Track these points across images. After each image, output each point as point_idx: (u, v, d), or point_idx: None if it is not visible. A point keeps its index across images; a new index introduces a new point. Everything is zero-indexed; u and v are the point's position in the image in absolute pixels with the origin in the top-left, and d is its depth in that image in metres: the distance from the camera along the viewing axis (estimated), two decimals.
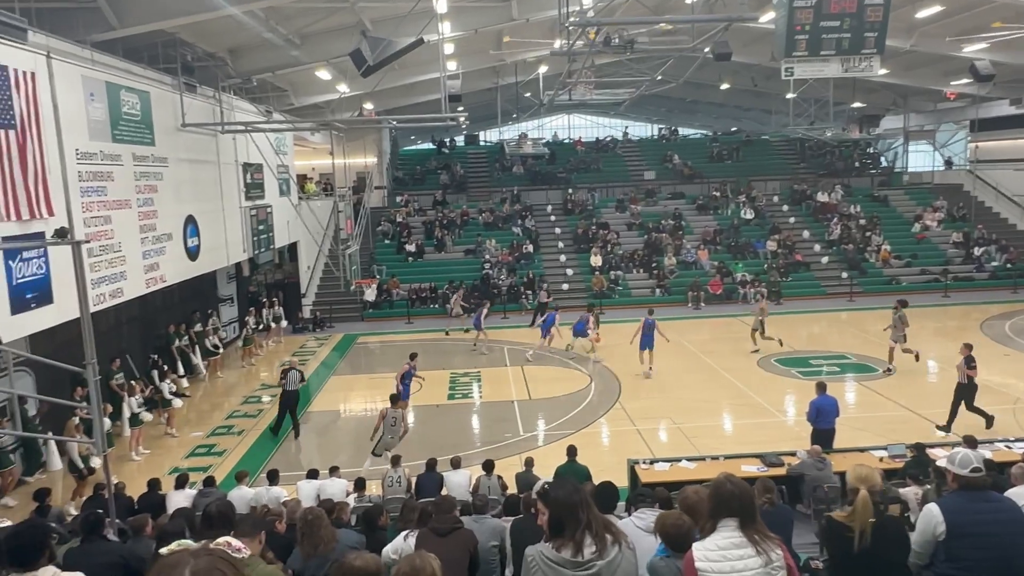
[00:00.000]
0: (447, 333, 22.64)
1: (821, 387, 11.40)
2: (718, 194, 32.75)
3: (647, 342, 17.43)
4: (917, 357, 16.62)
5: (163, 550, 1.88)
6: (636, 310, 24.53)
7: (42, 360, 9.56)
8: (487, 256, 28.30)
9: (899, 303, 17.27)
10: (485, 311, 21.25)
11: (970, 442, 8.64)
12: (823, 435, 10.83)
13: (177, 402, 14.58)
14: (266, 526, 5.44)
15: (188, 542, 2.39)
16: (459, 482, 9.40)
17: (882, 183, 34.56)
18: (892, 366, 16.76)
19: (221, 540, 3.52)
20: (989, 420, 12.65)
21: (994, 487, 4.54)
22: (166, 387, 14.43)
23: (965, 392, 12.85)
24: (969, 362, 12.80)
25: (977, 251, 28.23)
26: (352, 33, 16.72)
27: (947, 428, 12.69)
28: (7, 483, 11.57)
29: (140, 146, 13.58)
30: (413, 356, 14.48)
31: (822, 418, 10.97)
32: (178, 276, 15.36)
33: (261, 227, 20.29)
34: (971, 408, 12.80)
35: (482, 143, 40.76)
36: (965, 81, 24.98)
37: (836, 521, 4.24)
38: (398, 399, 12.40)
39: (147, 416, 13.52)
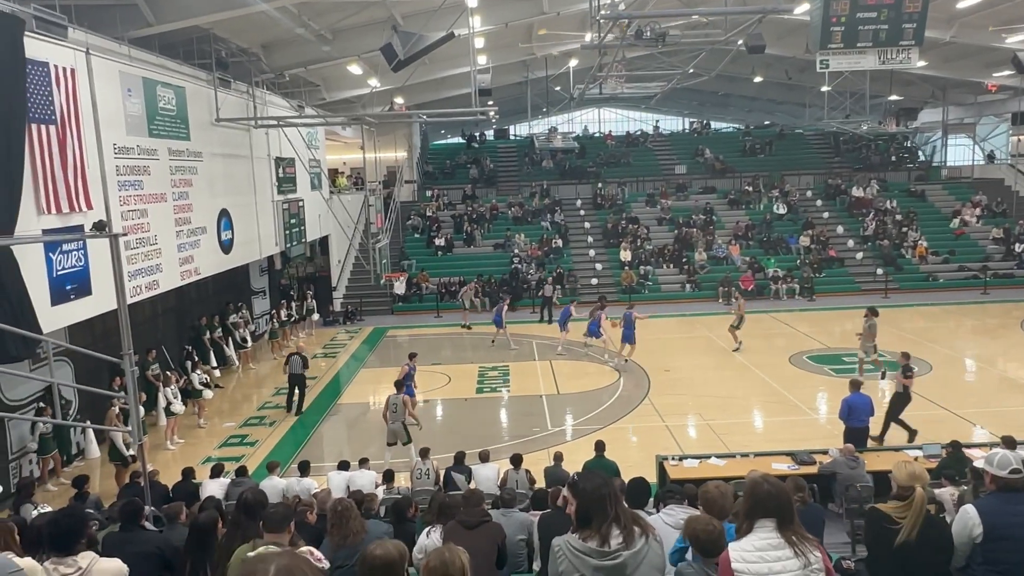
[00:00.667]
0: (468, 328, 22.63)
1: (855, 385, 11.22)
2: (750, 188, 32.35)
3: (628, 336, 17.36)
4: (883, 375, 15.25)
5: (251, 553, 1.97)
6: (666, 306, 24.50)
7: (81, 350, 9.78)
8: (516, 251, 28.30)
9: (869, 311, 15.96)
10: (505, 307, 21.20)
11: (1009, 443, 8.44)
12: (856, 433, 10.67)
13: (208, 393, 14.80)
14: (296, 516, 5.51)
15: (273, 547, 2.48)
16: (487, 476, 9.43)
17: (919, 177, 33.85)
18: (862, 380, 15.47)
19: (304, 549, 3.62)
20: (912, 434, 11.88)
21: None
22: (196, 378, 14.66)
23: (898, 401, 12.20)
24: (906, 371, 12.15)
25: (1018, 247, 27.54)
26: (383, 28, 16.83)
27: (880, 438, 11.99)
28: (47, 470, 11.87)
29: (175, 141, 13.77)
30: (412, 356, 14.47)
31: (854, 416, 10.82)
32: (212, 269, 15.55)
33: (293, 221, 20.47)
34: (895, 419, 12.09)
35: (512, 137, 40.72)
36: (1007, 73, 24.38)
37: (882, 512, 4.13)
38: (401, 385, 12.53)
39: (178, 408, 13.72)
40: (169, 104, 13.55)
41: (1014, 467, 4.10)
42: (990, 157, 34.87)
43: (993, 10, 20.31)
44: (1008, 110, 31.46)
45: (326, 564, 2.91)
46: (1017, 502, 4.08)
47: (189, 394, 14.56)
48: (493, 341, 20.59)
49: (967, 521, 4.09)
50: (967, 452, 9.07)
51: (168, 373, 14.33)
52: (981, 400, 14.52)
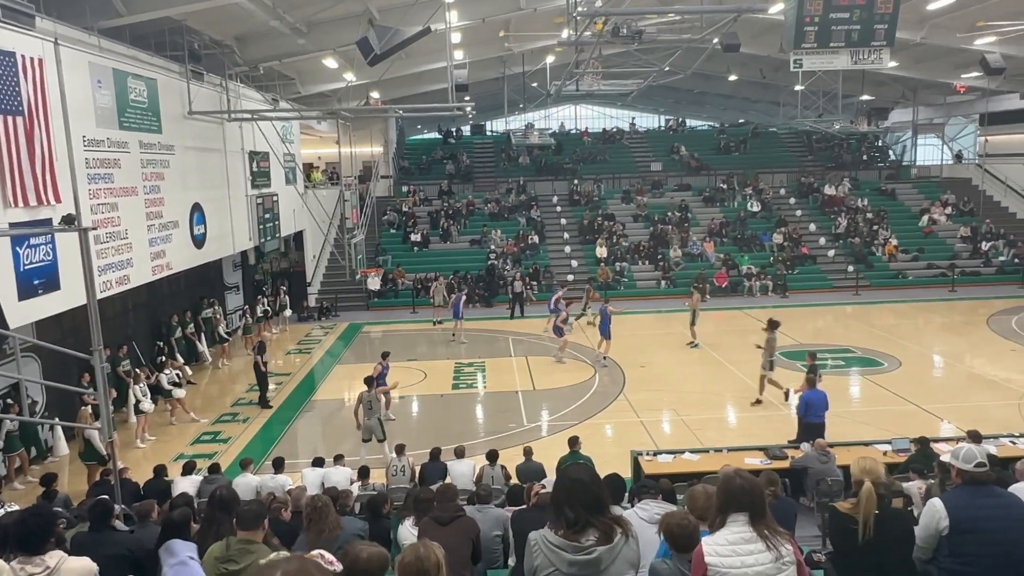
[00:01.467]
0: (439, 324, 22.57)
1: (811, 382, 11.39)
2: (725, 186, 32.62)
3: (604, 331, 17.56)
4: (787, 395, 14.19)
5: (262, 560, 1.98)
6: (642, 302, 24.65)
7: (49, 346, 9.61)
8: (492, 247, 28.28)
9: (769, 323, 14.79)
10: (464, 299, 21.25)
11: (974, 437, 8.64)
12: (813, 429, 10.85)
13: (178, 392, 14.59)
14: (270, 513, 5.47)
15: (284, 553, 2.47)
16: (463, 471, 9.44)
17: (890, 176, 34.38)
18: (761, 397, 14.37)
19: (315, 552, 3.59)
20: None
21: (998, 482, 4.54)
22: (164, 377, 14.45)
23: None
24: (811, 371, 12.05)
25: (985, 245, 28.09)
26: (359, 22, 16.72)
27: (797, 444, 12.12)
28: (14, 468, 11.65)
29: (147, 133, 13.57)
30: (385, 355, 14.46)
31: (811, 412, 10.99)
32: (184, 264, 15.38)
33: (267, 215, 20.29)
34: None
35: (488, 133, 40.66)
36: (975, 74, 24.84)
37: (840, 512, 4.22)
38: (373, 382, 12.45)
39: (148, 406, 13.47)
40: (140, 96, 13.34)
41: (979, 461, 4.19)
42: (958, 157, 35.51)
43: (962, 12, 20.64)
44: (976, 111, 32.09)
45: (339, 567, 2.90)
46: (982, 495, 4.17)
47: (159, 392, 14.38)
48: (453, 335, 20.67)
49: (934, 514, 4.17)
50: (934, 447, 9.25)
51: (138, 370, 14.11)
52: (948, 396, 14.81)
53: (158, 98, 14.03)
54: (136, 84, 13.19)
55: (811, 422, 10.93)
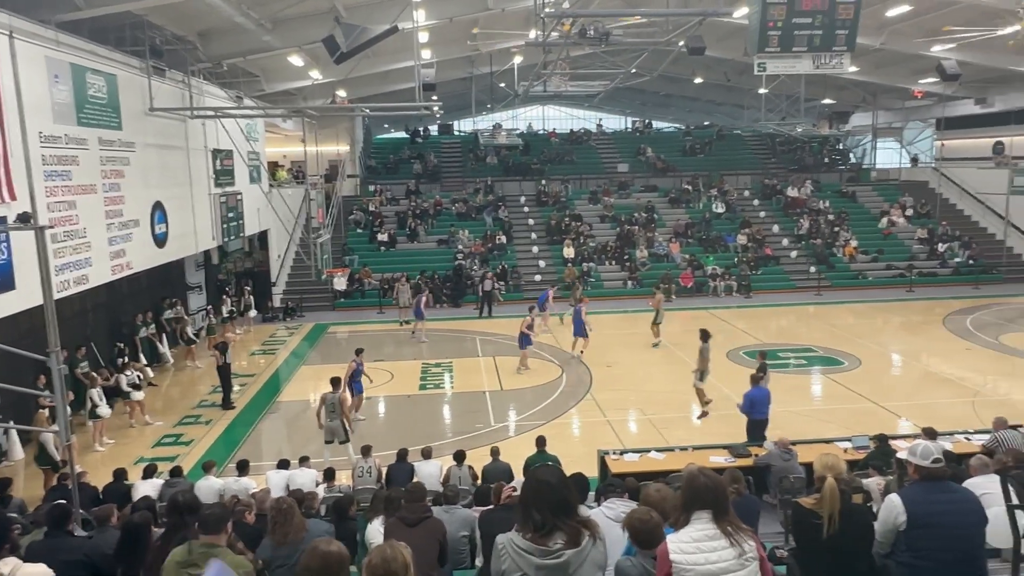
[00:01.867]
0: (405, 324, 22.47)
1: (755, 379, 11.56)
2: (690, 187, 33.00)
3: (579, 330, 17.77)
4: (705, 413, 13.98)
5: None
6: (608, 302, 24.82)
7: (4, 348, 9.34)
8: (460, 247, 28.24)
9: (701, 334, 14.24)
10: (424, 299, 21.28)
11: (930, 434, 8.85)
12: (758, 426, 11.02)
13: (137, 394, 14.29)
14: (233, 516, 5.40)
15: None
16: (430, 472, 9.41)
17: (850, 179, 35.09)
18: (706, 409, 14.06)
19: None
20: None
21: (953, 478, 4.66)
22: (124, 379, 14.16)
23: None
24: (760, 370, 12.12)
25: (941, 247, 28.82)
26: (325, 19, 16.54)
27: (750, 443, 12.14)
28: None
29: (106, 130, 13.30)
30: (359, 352, 14.39)
31: (756, 409, 11.16)
32: (145, 263, 15.13)
33: (231, 214, 20.02)
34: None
35: (456, 133, 40.61)
36: (932, 80, 25.42)
37: (804, 508, 4.28)
38: (339, 382, 12.34)
39: (104, 411, 13.11)
40: (100, 92, 13.06)
41: (935, 457, 4.29)
42: (914, 160, 36.37)
43: (920, 19, 21.16)
44: (933, 115, 32.92)
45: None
46: (939, 491, 4.27)
47: (118, 393, 14.08)
48: (413, 333, 20.71)
49: (892, 509, 4.26)
50: (893, 443, 9.44)
51: (95, 373, 13.78)
52: (906, 394, 15.17)
53: (118, 94, 13.75)
54: (95, 79, 12.91)
55: (756, 419, 11.11)
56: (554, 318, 21.10)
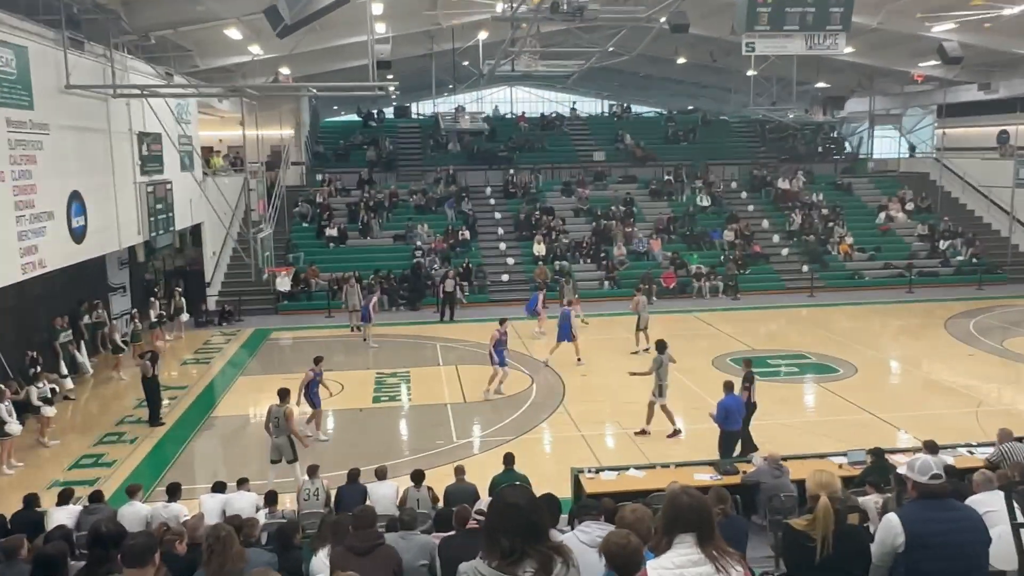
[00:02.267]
0: (357, 329, 22.33)
1: (728, 386, 11.69)
2: (672, 178, 33.29)
3: (565, 334, 17.93)
4: (675, 432, 13.73)
5: None
6: (584, 304, 24.84)
7: None
8: (419, 243, 28.15)
9: (657, 345, 14.12)
10: (374, 300, 21.37)
11: (931, 447, 9.02)
12: (733, 437, 11.15)
13: (48, 410, 13.96)
14: (162, 546, 5.32)
15: None
16: (385, 494, 9.36)
17: (846, 170, 35.64)
18: (678, 427, 13.85)
19: None
20: (751, 449, 11.67)
21: (955, 494, 4.74)
22: (35, 391, 13.85)
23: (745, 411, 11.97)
24: (747, 379, 12.27)
25: (943, 244, 29.39)
26: None
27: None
28: None
29: (16, 110, 13.06)
30: (318, 360, 14.35)
31: (731, 419, 11.31)
32: (60, 261, 14.89)
33: (159, 206, 19.76)
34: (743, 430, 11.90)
35: (414, 116, 40.50)
36: (933, 63, 25.96)
37: (794, 529, 4.32)
38: (287, 394, 12.22)
39: (15, 428, 12.78)
40: (7, 67, 12.82)
41: (935, 472, 4.36)
42: (912, 149, 37.08)
43: None
44: (934, 102, 33.56)
45: None
46: (939, 509, 4.33)
47: (27, 409, 13.77)
48: (364, 338, 20.77)
49: (890, 530, 4.31)
50: (891, 458, 9.62)
51: (2, 386, 13.44)
52: (905, 404, 15.47)
53: (29, 69, 13.50)
54: (3, 52, 12.67)
55: (731, 430, 11.26)
56: (576, 319, 20.62)
